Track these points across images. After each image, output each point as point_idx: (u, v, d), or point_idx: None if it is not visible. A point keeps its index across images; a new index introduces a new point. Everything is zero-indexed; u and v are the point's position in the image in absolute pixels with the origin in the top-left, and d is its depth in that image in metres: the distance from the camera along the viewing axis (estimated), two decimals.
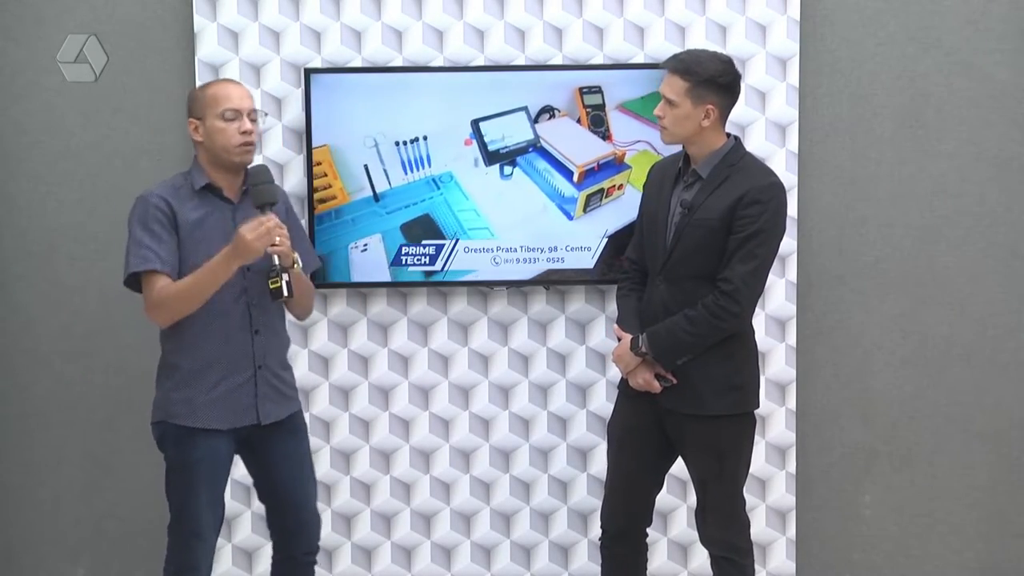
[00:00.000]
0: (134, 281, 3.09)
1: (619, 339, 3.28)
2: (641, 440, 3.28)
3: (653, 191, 3.30)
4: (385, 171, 3.74)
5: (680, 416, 3.20)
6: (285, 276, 3.04)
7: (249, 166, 3.13)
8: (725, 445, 3.19)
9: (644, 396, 3.24)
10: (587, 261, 3.78)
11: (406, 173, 3.74)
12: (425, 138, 3.73)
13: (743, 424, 3.23)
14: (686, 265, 3.16)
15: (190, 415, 3.11)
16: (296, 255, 3.10)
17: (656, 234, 3.23)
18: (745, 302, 3.10)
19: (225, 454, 3.17)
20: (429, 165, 3.74)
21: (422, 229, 3.76)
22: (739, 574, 3.25)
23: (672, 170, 3.26)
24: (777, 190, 3.12)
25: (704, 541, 3.30)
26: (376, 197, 3.75)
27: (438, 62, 3.78)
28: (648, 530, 3.41)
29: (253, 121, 3.14)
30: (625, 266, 3.43)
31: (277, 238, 3.00)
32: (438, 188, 3.74)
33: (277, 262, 3.03)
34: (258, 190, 3.06)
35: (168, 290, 3.03)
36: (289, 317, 3.33)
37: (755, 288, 3.12)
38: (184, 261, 3.08)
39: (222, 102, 3.10)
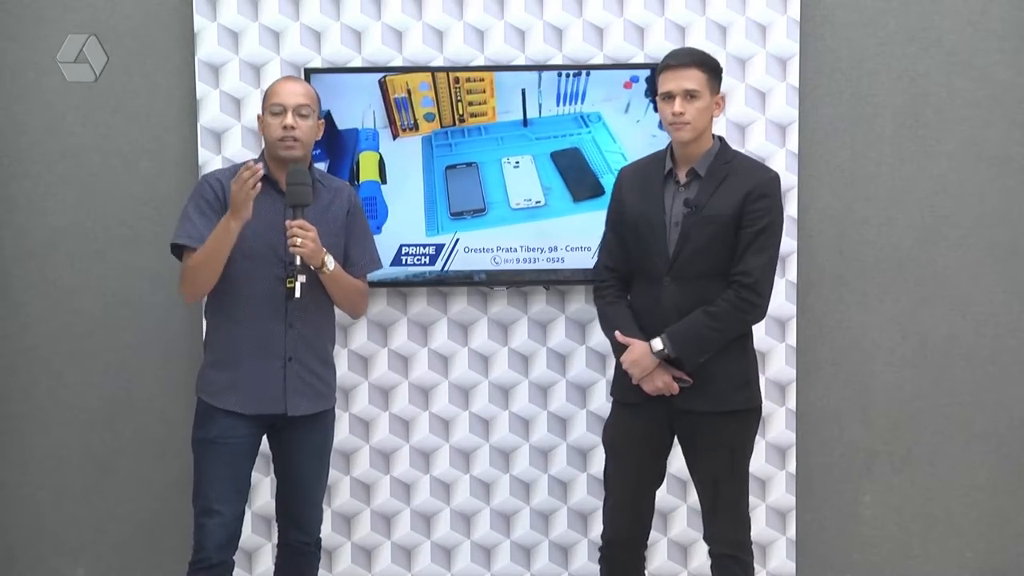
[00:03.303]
0: (178, 251, 3.23)
1: (625, 345, 3.21)
2: (641, 449, 3.27)
3: (635, 195, 3.25)
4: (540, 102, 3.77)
5: (694, 415, 3.19)
6: (301, 278, 3.09)
7: (290, 166, 3.17)
8: (737, 440, 3.21)
9: (643, 403, 3.22)
10: (587, 261, 3.78)
11: (558, 105, 3.76)
12: (588, 74, 3.76)
13: (754, 419, 3.25)
14: (696, 263, 3.15)
15: (214, 394, 3.22)
16: (326, 257, 3.15)
17: (653, 237, 3.20)
18: (766, 293, 3.14)
19: (246, 437, 3.23)
20: (581, 102, 3.76)
21: (571, 160, 3.76)
22: (743, 572, 3.24)
23: (655, 172, 3.24)
24: (778, 183, 3.21)
25: (710, 540, 3.27)
26: (525, 122, 3.77)
27: (438, 62, 3.78)
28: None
29: (303, 116, 3.19)
30: (603, 275, 3.34)
31: (298, 239, 3.07)
32: (586, 126, 3.76)
33: (298, 262, 3.10)
34: (290, 191, 3.14)
35: (188, 261, 3.16)
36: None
37: (771, 279, 3.17)
38: None
39: (271, 97, 3.22)
